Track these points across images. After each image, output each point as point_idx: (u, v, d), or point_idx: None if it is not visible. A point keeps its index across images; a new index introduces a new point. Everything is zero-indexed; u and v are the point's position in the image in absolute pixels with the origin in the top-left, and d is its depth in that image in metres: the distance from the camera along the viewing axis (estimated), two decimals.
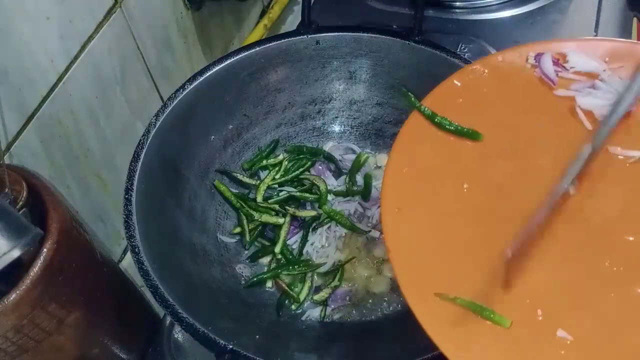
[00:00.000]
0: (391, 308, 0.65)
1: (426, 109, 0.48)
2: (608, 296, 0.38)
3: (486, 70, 0.50)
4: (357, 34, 0.71)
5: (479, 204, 0.43)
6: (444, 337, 0.37)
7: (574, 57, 0.50)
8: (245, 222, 0.71)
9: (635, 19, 0.89)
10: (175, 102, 0.65)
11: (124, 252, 0.77)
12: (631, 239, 0.40)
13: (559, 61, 0.50)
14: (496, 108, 0.49)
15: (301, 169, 0.75)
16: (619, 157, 0.44)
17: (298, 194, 0.73)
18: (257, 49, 0.70)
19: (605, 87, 0.48)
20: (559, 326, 0.37)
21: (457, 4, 0.91)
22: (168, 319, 0.66)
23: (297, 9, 1.05)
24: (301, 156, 0.77)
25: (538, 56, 0.51)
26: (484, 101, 0.49)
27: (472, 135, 0.46)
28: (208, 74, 0.68)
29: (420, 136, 0.47)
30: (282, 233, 0.70)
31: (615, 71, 0.49)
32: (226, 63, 0.69)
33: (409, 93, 0.52)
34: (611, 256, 0.40)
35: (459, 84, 0.50)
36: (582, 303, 0.38)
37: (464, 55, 0.74)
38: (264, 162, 0.76)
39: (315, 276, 0.68)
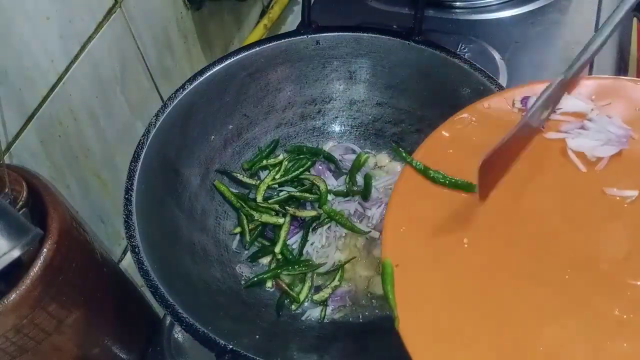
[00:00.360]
0: None
1: (418, 163, 0.47)
2: (620, 346, 0.37)
3: (474, 119, 0.50)
4: (357, 34, 0.71)
5: (480, 259, 0.42)
6: None
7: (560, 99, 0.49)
8: (245, 222, 0.71)
9: (635, 19, 0.89)
10: (175, 102, 0.65)
11: (124, 252, 0.77)
12: (638, 283, 0.39)
13: None
14: None
15: (301, 169, 0.75)
16: (616, 198, 0.44)
17: (298, 194, 0.73)
18: (257, 49, 0.70)
19: (595, 126, 0.47)
20: None
21: (457, 4, 0.91)
22: (168, 319, 0.66)
23: (297, 9, 1.05)
24: (301, 156, 0.77)
25: (524, 100, 0.50)
26: (475, 151, 0.47)
27: (466, 188, 0.45)
28: (208, 74, 0.68)
29: (415, 190, 0.46)
30: (282, 233, 0.70)
31: (603, 109, 0.48)
32: (226, 63, 0.69)
33: (400, 149, 0.51)
34: (620, 303, 0.39)
35: (447, 135, 0.49)
36: (595, 354, 0.37)
37: (464, 55, 0.74)
38: (264, 162, 0.76)
39: (315, 276, 0.68)
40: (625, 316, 0.38)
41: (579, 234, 0.43)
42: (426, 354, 0.38)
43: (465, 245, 0.42)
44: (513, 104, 0.51)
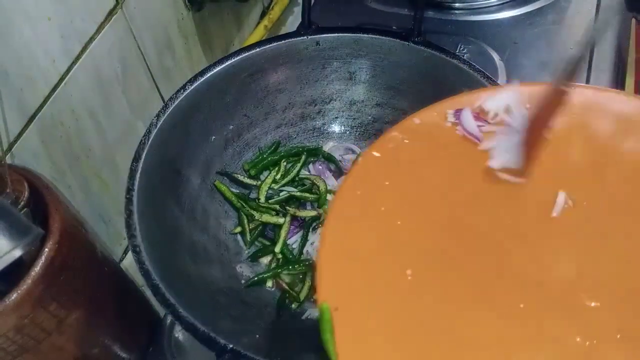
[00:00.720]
0: None
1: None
2: None
3: (406, 138, 0.46)
4: (357, 35, 0.71)
5: (427, 292, 0.38)
6: None
7: (490, 103, 0.47)
8: (245, 222, 0.71)
9: (634, 20, 0.89)
10: (176, 102, 0.66)
11: (125, 252, 0.78)
12: (593, 304, 0.37)
13: (479, 114, 0.47)
14: (423, 178, 0.45)
15: (298, 165, 0.75)
16: (556, 212, 0.41)
17: (298, 194, 0.73)
18: (257, 49, 0.71)
19: (506, 132, 0.44)
20: None
21: (457, 5, 0.91)
22: (168, 319, 0.66)
23: (297, 10, 1.06)
24: (295, 153, 0.77)
25: (457, 113, 0.47)
26: (409, 172, 0.44)
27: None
28: (208, 75, 0.68)
29: (349, 222, 0.42)
30: (283, 233, 0.70)
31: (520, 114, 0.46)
32: (227, 64, 0.69)
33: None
34: (581, 329, 0.35)
35: (378, 155, 0.46)
36: None
37: (463, 56, 0.74)
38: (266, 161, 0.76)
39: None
40: (588, 343, 0.35)
41: (525, 254, 0.39)
42: None
43: (409, 278, 0.38)
44: (446, 117, 0.47)
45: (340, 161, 0.77)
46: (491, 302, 0.38)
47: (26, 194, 0.48)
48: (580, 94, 0.47)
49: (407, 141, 0.46)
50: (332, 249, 0.40)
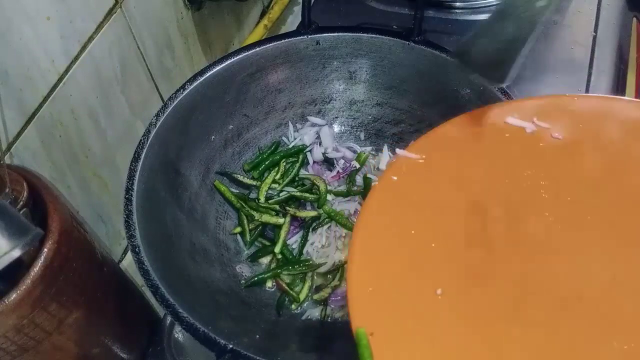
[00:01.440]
0: None
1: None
2: None
3: (420, 158, 0.47)
4: (357, 34, 0.71)
5: (459, 309, 0.38)
6: None
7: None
8: (245, 222, 0.71)
9: (634, 19, 0.89)
10: (176, 102, 0.65)
11: (125, 252, 0.77)
12: (630, 306, 0.37)
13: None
14: (446, 194, 0.45)
15: (297, 165, 0.75)
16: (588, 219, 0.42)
17: (298, 194, 0.73)
18: (257, 49, 0.70)
19: None
20: None
21: (457, 4, 0.91)
22: (168, 319, 0.66)
23: (297, 9, 1.06)
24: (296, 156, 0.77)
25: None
26: (431, 190, 0.45)
27: None
28: (208, 74, 0.68)
29: (375, 245, 0.43)
30: (282, 233, 0.70)
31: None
32: (226, 63, 0.69)
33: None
34: (619, 336, 0.36)
35: (396, 179, 0.46)
36: None
37: None
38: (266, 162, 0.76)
39: (315, 276, 0.68)
40: (626, 347, 0.35)
41: (558, 262, 0.40)
42: None
43: (439, 297, 0.39)
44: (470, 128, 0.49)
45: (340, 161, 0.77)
46: (527, 316, 0.38)
47: (25, 193, 0.48)
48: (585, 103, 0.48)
49: (421, 161, 0.47)
50: (361, 271, 0.41)
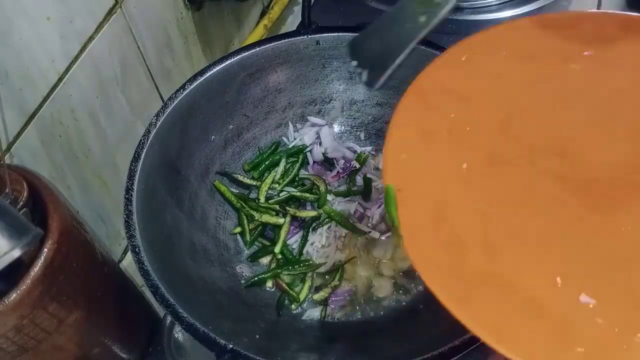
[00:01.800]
0: (392, 308, 0.65)
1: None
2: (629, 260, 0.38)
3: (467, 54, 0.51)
4: (357, 34, 0.71)
5: (479, 182, 0.43)
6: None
7: None
8: (245, 222, 0.71)
9: None
10: (176, 102, 0.65)
11: (125, 252, 0.77)
12: None
13: None
14: (493, 87, 0.49)
15: (297, 165, 0.75)
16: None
17: (298, 194, 0.73)
18: (257, 49, 0.71)
19: None
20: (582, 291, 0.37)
21: (458, 4, 0.91)
22: (168, 319, 0.66)
23: (297, 9, 1.06)
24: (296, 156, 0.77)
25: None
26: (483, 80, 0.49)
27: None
28: (208, 74, 0.68)
29: (413, 120, 0.47)
30: (282, 233, 0.70)
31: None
32: (226, 63, 0.69)
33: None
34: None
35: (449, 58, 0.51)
36: (601, 267, 0.38)
37: None
38: (267, 162, 0.76)
39: (315, 276, 0.68)
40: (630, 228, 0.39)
41: (584, 153, 0.43)
42: (430, 263, 0.39)
43: (464, 170, 0.44)
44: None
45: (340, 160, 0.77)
46: (558, 190, 0.42)
47: (25, 193, 0.48)
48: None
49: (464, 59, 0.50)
50: (397, 140, 0.46)
